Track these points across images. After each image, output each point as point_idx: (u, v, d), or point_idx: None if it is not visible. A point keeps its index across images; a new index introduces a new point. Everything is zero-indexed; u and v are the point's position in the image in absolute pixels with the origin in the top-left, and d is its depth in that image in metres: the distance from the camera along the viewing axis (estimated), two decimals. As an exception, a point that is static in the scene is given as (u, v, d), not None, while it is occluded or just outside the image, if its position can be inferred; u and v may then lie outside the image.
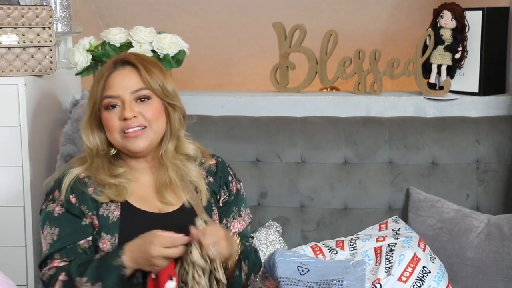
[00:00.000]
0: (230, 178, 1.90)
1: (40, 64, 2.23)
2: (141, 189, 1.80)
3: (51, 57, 2.24)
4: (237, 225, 1.88)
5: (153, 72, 1.76)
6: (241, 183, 1.94)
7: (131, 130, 1.74)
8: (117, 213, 1.76)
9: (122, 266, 1.64)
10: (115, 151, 1.82)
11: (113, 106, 1.75)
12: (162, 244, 1.60)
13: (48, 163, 2.31)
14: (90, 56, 2.38)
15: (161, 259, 1.61)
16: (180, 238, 1.62)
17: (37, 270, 2.07)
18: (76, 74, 2.42)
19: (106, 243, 1.74)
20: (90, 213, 1.76)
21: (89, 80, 2.52)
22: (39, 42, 2.22)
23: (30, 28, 2.20)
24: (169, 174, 1.80)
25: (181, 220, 1.75)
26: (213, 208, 1.85)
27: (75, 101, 2.55)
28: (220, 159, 1.93)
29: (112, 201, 1.77)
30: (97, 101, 1.77)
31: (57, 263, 1.73)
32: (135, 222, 1.75)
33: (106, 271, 1.65)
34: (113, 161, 1.81)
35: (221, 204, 1.87)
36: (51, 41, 2.23)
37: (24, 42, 2.20)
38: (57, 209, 1.76)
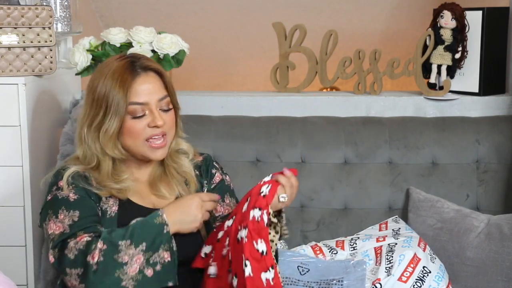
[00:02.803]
0: (213, 170, 1.92)
1: (40, 64, 2.23)
2: (137, 185, 1.83)
3: (51, 57, 2.24)
4: (220, 209, 1.89)
5: (167, 75, 1.79)
6: (227, 176, 1.95)
7: (156, 138, 1.75)
8: (115, 208, 1.77)
9: (165, 223, 1.68)
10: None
11: (143, 115, 1.74)
12: (202, 197, 1.76)
13: (48, 163, 2.31)
14: (90, 56, 2.38)
15: (201, 209, 1.74)
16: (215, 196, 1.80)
17: (44, 263, 2.08)
18: (76, 74, 2.42)
19: None
20: (96, 203, 1.77)
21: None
22: (39, 42, 2.22)
23: (30, 28, 2.20)
24: (164, 168, 1.84)
25: None
26: None
27: (75, 101, 2.55)
28: (207, 155, 1.96)
29: (111, 196, 1.78)
30: (120, 106, 1.71)
31: (86, 237, 1.66)
32: (133, 217, 1.74)
33: (149, 231, 1.66)
34: (116, 165, 1.80)
35: None
36: (51, 41, 2.23)
37: (24, 42, 2.19)
38: (71, 195, 1.73)
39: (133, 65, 1.75)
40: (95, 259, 1.61)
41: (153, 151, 1.76)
